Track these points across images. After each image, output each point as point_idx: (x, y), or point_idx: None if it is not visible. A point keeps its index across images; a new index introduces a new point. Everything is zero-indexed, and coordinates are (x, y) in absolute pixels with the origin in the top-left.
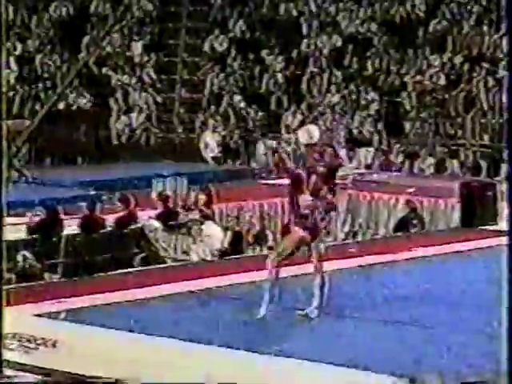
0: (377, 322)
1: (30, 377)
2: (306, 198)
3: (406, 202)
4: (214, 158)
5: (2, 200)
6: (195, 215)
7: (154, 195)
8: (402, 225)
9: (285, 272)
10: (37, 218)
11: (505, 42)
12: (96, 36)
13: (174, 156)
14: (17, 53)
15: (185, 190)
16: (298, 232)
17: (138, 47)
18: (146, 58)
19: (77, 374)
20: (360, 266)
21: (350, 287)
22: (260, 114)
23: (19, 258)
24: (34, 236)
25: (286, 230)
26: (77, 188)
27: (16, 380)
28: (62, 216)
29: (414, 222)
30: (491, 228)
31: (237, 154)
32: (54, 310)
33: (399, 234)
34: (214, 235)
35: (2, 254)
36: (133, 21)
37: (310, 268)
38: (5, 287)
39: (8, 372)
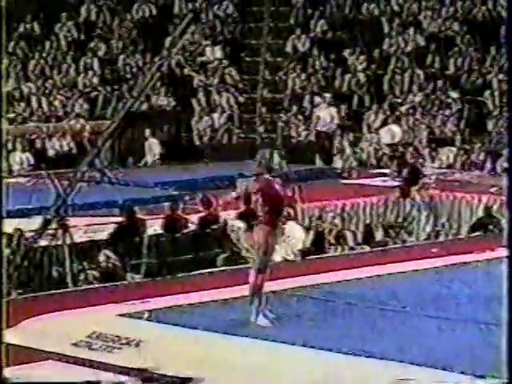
0: (460, 321)
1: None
2: None
3: (484, 204)
4: None
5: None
6: None
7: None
8: (480, 226)
9: None
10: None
11: None
12: (174, 36)
13: (255, 156)
14: (100, 54)
15: None
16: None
17: (216, 50)
18: (225, 62)
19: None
20: (443, 265)
21: (433, 287)
22: (341, 113)
23: (101, 257)
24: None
25: None
26: (159, 188)
27: None
28: (144, 216)
29: (490, 226)
30: None
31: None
32: (137, 310)
33: (481, 233)
34: (296, 235)
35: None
36: (211, 22)
37: None
38: (87, 287)
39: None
